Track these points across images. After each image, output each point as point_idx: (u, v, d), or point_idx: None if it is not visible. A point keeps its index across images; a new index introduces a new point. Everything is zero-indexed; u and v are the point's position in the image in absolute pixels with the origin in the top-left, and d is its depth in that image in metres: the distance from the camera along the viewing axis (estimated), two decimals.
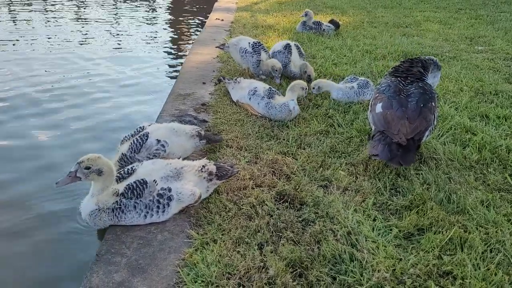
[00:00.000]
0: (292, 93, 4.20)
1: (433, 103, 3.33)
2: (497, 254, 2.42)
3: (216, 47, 5.93)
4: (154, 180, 2.69)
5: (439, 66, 3.74)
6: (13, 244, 3.21)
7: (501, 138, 3.79)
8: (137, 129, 3.40)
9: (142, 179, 2.67)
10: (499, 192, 3.05)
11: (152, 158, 3.15)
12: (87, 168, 2.57)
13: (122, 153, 3.22)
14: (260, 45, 5.28)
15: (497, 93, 4.94)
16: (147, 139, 3.24)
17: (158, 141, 3.26)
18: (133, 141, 3.25)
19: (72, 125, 5.28)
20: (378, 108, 3.31)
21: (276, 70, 5.02)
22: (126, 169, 2.81)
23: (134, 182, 2.66)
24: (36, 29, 9.94)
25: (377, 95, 3.47)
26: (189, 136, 3.44)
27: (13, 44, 8.60)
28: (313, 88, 4.65)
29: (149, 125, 3.43)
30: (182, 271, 2.28)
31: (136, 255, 2.42)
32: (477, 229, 2.63)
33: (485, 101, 4.73)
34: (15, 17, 10.80)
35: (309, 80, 5.07)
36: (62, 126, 5.27)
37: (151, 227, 2.65)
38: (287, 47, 5.30)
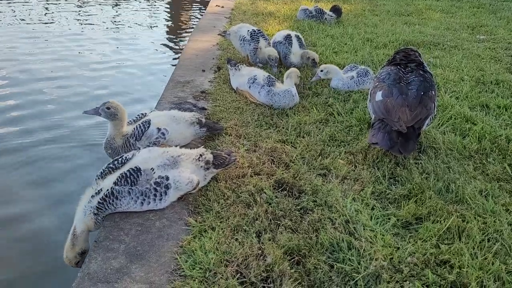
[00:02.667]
0: (290, 80, 4.22)
1: (433, 92, 3.31)
2: (494, 244, 2.42)
3: (218, 34, 5.88)
4: (151, 168, 2.66)
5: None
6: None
7: (501, 128, 3.78)
8: (138, 115, 3.40)
9: (136, 167, 2.64)
10: (498, 182, 3.04)
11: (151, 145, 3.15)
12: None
13: (127, 137, 3.21)
14: (259, 32, 5.23)
15: (498, 82, 4.91)
16: (149, 127, 3.22)
17: (159, 129, 3.24)
18: (137, 126, 3.24)
19: (69, 110, 5.29)
20: (378, 96, 3.30)
21: (272, 59, 4.98)
22: (120, 159, 2.74)
23: (128, 170, 2.63)
24: (34, 10, 9.86)
25: (377, 83, 3.45)
26: (189, 123, 3.42)
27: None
28: (321, 70, 4.60)
29: (150, 112, 3.42)
30: (180, 258, 2.29)
31: (134, 241, 2.42)
32: (475, 218, 2.63)
33: (486, 90, 4.70)
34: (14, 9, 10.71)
35: (314, 65, 5.02)
36: (61, 111, 5.27)
37: (150, 214, 2.65)
38: (288, 38, 5.24)
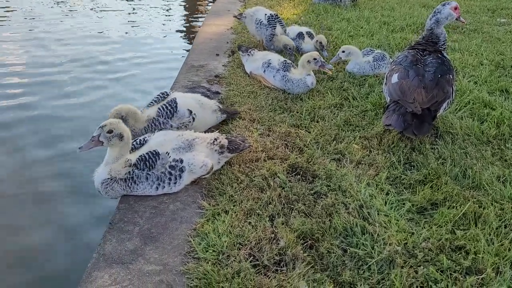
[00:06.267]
0: (303, 69, 4.10)
1: (450, 75, 3.25)
2: (511, 230, 2.38)
3: (234, 16, 5.84)
4: (166, 152, 2.68)
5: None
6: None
7: None
8: (159, 95, 3.30)
9: (155, 151, 2.66)
10: None
11: (180, 128, 3.12)
12: (110, 132, 2.54)
13: (153, 118, 3.14)
14: (277, 17, 5.17)
15: None
16: (176, 106, 3.16)
17: (190, 112, 3.21)
18: (162, 107, 3.16)
19: (89, 92, 5.36)
20: (394, 78, 3.25)
21: (289, 49, 4.95)
22: (138, 140, 2.80)
23: (147, 153, 2.66)
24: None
25: (394, 66, 3.41)
26: (212, 110, 3.40)
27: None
28: (343, 51, 4.50)
29: (172, 92, 3.39)
30: (193, 240, 2.30)
31: (148, 224, 2.45)
32: (492, 204, 2.59)
33: (506, 75, 4.59)
34: None
35: (321, 48, 4.96)
36: (81, 94, 5.35)
37: (164, 197, 2.67)
38: (299, 35, 5.27)
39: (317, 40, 5.01)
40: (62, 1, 9.41)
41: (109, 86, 5.55)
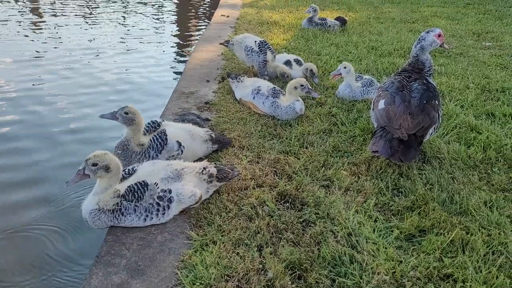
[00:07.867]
0: (290, 95, 4.14)
1: (436, 101, 3.30)
2: (499, 257, 2.39)
3: (220, 43, 5.89)
4: (155, 183, 2.68)
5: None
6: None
7: (506, 137, 3.75)
8: (150, 124, 3.33)
9: (143, 181, 2.66)
10: (503, 193, 3.01)
11: (169, 159, 3.13)
12: (94, 164, 2.55)
13: (146, 148, 3.17)
14: (266, 44, 5.25)
15: (504, 90, 4.88)
16: (166, 138, 3.20)
17: (179, 144, 3.23)
18: (153, 138, 3.19)
19: (75, 119, 5.35)
20: (381, 104, 3.30)
21: (287, 76, 5.09)
22: (127, 169, 2.80)
23: (135, 184, 2.65)
24: (42, 22, 9.97)
25: (381, 92, 3.46)
26: (203, 140, 3.41)
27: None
28: (344, 67, 4.54)
29: (163, 121, 3.41)
30: (181, 273, 2.28)
31: (135, 256, 2.42)
32: (479, 230, 2.60)
33: (492, 98, 4.67)
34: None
35: (312, 75, 5.03)
36: (71, 120, 5.34)
37: (151, 228, 2.65)
38: (287, 63, 5.38)
39: (307, 68, 5.07)
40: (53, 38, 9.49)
41: (99, 111, 5.54)
